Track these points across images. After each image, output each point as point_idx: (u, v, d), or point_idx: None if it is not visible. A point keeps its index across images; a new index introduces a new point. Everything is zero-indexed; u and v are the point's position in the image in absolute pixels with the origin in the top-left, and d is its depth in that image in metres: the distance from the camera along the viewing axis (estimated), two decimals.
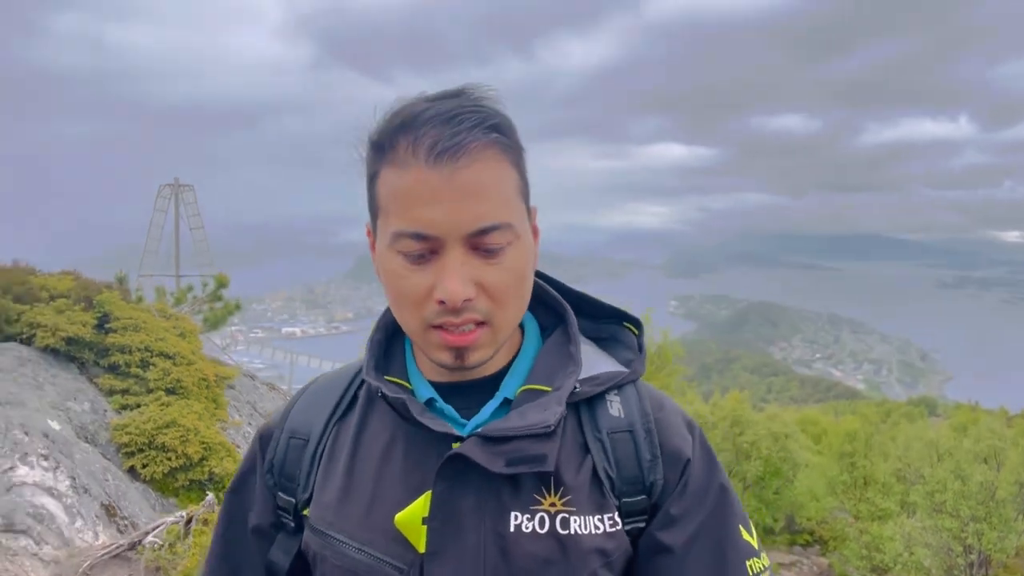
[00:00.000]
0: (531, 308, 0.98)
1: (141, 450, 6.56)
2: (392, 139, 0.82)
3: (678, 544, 0.90)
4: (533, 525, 0.87)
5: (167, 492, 6.61)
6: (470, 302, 0.82)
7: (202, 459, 6.69)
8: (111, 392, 7.28)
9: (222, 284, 13.36)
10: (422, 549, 0.87)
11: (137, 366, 7.43)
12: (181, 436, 6.65)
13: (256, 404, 8.95)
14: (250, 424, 8.10)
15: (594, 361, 0.97)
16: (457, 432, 0.89)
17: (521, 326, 0.99)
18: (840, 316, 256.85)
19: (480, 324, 0.84)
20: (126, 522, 5.80)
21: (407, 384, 0.95)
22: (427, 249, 0.82)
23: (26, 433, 5.74)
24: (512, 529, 0.86)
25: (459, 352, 0.85)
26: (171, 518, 5.48)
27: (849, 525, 10.65)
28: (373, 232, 0.91)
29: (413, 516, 0.87)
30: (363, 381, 0.99)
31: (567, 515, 0.87)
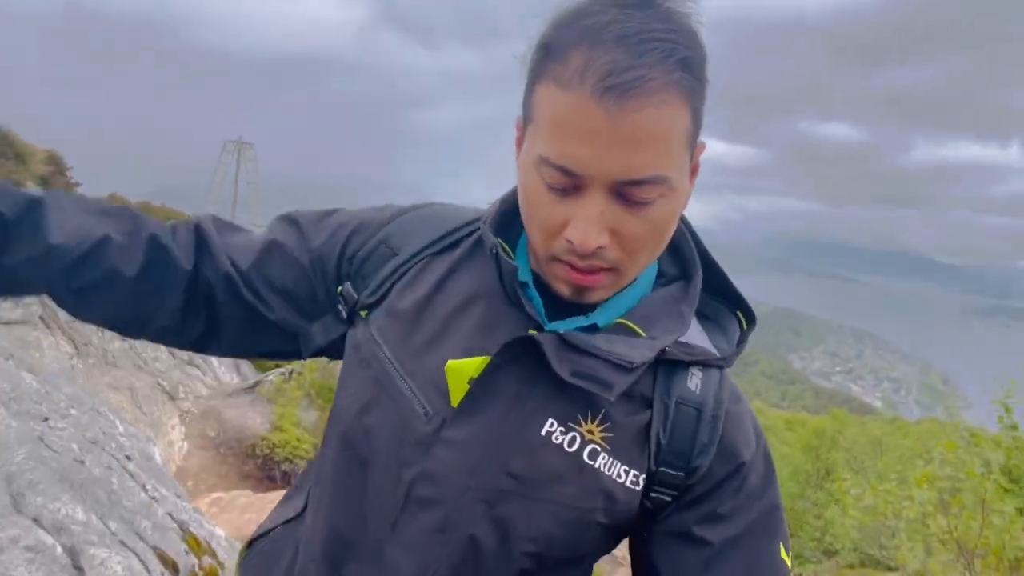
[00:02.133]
0: None
1: None
2: (564, 48, 0.72)
3: (717, 541, 0.85)
4: (564, 440, 0.84)
5: (261, 369, 10.55)
6: (602, 249, 0.76)
7: None
8: None
9: None
10: (455, 403, 0.84)
11: None
12: None
13: None
14: None
15: (693, 332, 0.90)
16: (541, 322, 0.85)
17: None
18: (865, 331, 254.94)
19: (607, 269, 0.79)
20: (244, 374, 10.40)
21: (511, 255, 0.90)
22: (570, 184, 0.74)
23: None
24: (543, 432, 0.83)
25: (579, 290, 0.81)
26: (278, 371, 9.32)
27: (808, 511, 11.57)
28: (523, 133, 0.82)
29: (464, 369, 0.85)
30: (474, 230, 0.94)
31: (598, 448, 0.84)
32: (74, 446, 2.69)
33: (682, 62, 0.71)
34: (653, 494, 0.86)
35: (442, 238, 0.96)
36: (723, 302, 0.95)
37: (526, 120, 0.81)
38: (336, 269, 0.98)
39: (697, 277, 0.91)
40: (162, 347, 8.14)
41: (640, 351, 0.82)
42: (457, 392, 0.85)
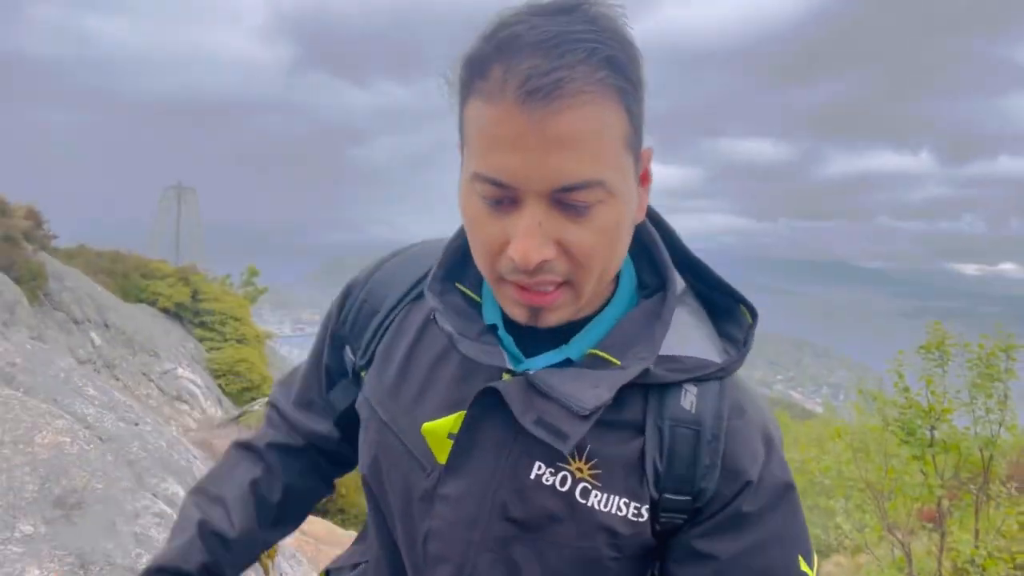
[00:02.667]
0: (635, 259, 0.89)
1: (224, 374, 11.55)
2: (485, 62, 0.69)
3: (725, 555, 0.81)
4: (555, 480, 0.82)
5: (239, 402, 10.96)
6: (548, 263, 0.72)
7: (260, 383, 11.62)
8: (202, 339, 12.40)
9: (254, 273, 18.86)
10: (442, 461, 0.85)
11: (218, 324, 12.51)
12: (248, 367, 11.79)
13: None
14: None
15: (688, 337, 0.85)
16: (509, 365, 0.82)
17: (617, 275, 0.87)
18: (804, 340, 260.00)
19: (560, 284, 0.75)
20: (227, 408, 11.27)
21: (477, 298, 0.87)
22: (505, 197, 0.71)
23: (178, 351, 10.50)
24: (532, 476, 0.82)
25: (534, 311, 0.76)
26: (258, 403, 10.01)
27: None
28: (461, 151, 0.79)
29: (441, 429, 0.85)
30: None
31: (589, 486, 0.81)
32: (163, 443, 3.41)
33: (607, 61, 0.68)
34: (663, 519, 0.83)
35: (419, 282, 0.94)
36: (725, 298, 0.91)
37: (461, 142, 0.78)
38: (339, 335, 1.02)
39: (673, 285, 0.86)
40: (153, 383, 9.16)
41: (601, 391, 0.77)
42: (441, 450, 0.85)
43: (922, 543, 6.34)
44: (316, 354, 1.08)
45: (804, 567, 0.84)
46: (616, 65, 0.69)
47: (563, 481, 0.82)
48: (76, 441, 2.72)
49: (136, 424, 3.43)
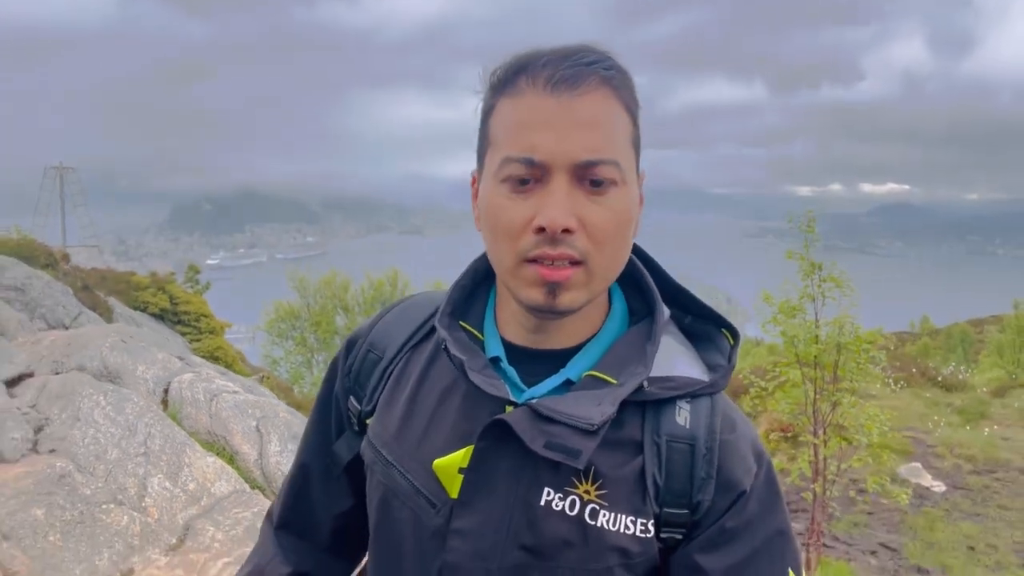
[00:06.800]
0: (624, 289, 0.96)
1: (207, 361, 12.06)
2: (512, 76, 0.82)
3: (718, 569, 0.85)
4: (564, 505, 0.85)
5: None
6: (569, 234, 0.78)
7: (232, 363, 14.00)
8: (183, 334, 14.99)
9: (196, 271, 21.32)
10: (454, 495, 0.88)
11: (193, 321, 15.47)
12: (223, 352, 14.80)
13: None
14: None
15: (675, 360, 0.92)
16: (512, 397, 0.87)
17: (610, 302, 0.94)
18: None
19: (575, 264, 0.80)
20: None
21: (480, 335, 0.94)
22: (533, 175, 0.79)
23: (178, 343, 13.56)
24: (542, 503, 0.85)
25: (552, 288, 0.81)
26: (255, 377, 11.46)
27: None
28: (479, 172, 0.88)
29: (451, 464, 0.89)
30: None
31: (597, 507, 0.85)
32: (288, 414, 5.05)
33: (614, 72, 0.82)
34: (664, 534, 0.87)
35: (419, 329, 1.01)
36: (708, 321, 0.96)
37: (482, 153, 0.87)
38: (342, 387, 1.06)
39: (659, 310, 0.92)
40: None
41: (604, 406, 0.82)
42: (452, 485, 0.88)
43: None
44: (318, 423, 1.12)
45: None
46: (621, 77, 0.83)
47: (572, 505, 0.85)
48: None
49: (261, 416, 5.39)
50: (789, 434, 6.99)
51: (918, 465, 9.56)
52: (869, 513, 8.15)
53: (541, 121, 0.79)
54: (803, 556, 5.09)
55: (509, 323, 0.92)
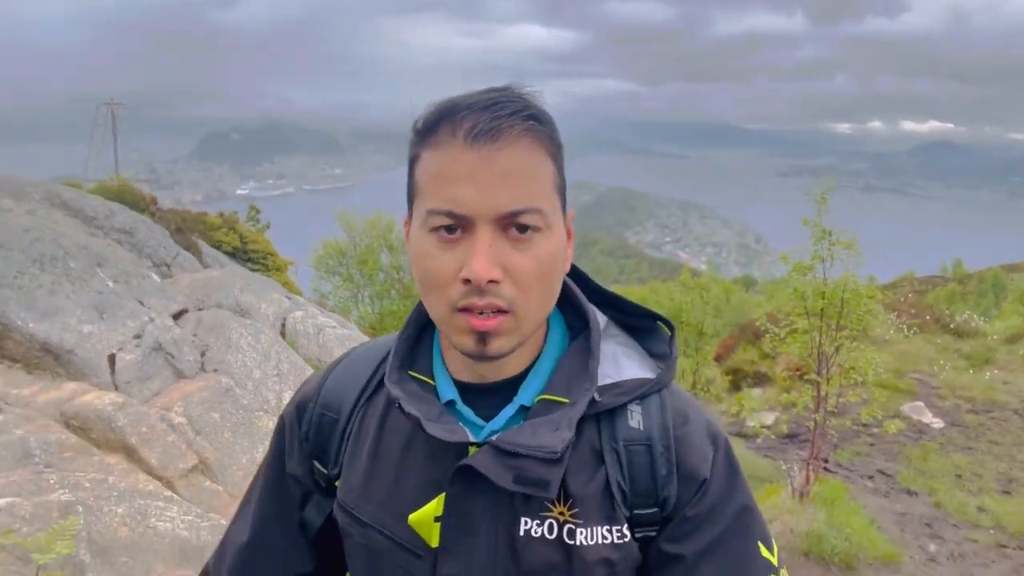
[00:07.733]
0: (560, 307, 0.98)
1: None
2: (434, 124, 0.83)
3: (690, 553, 0.89)
4: (542, 531, 0.88)
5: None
6: (495, 284, 0.80)
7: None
8: (254, 271, 14.17)
9: (257, 211, 22.19)
10: (435, 544, 0.90)
11: (261, 259, 15.93)
12: (290, 288, 13.05)
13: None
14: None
15: (621, 362, 0.95)
16: (473, 438, 0.88)
17: (548, 322, 0.96)
18: (690, 202, 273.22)
19: (502, 312, 0.82)
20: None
21: (431, 381, 0.95)
22: (460, 224, 0.81)
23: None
24: (522, 533, 0.88)
25: (482, 336, 0.82)
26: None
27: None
28: (409, 218, 0.89)
29: (426, 515, 0.90)
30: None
31: (573, 526, 0.88)
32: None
33: (535, 118, 0.82)
34: (639, 534, 0.90)
35: (368, 382, 1.01)
36: (644, 319, 1.01)
37: (411, 201, 0.88)
38: (301, 455, 1.04)
39: (592, 324, 0.95)
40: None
41: (562, 432, 0.85)
42: (431, 535, 0.90)
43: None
44: (271, 482, 1.09)
45: (765, 553, 0.92)
46: (543, 122, 0.83)
47: (551, 529, 0.88)
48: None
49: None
50: (800, 373, 7.72)
51: (921, 404, 10.34)
52: (871, 444, 9.07)
53: (463, 175, 0.80)
54: (803, 474, 5.85)
55: (455, 363, 0.94)
